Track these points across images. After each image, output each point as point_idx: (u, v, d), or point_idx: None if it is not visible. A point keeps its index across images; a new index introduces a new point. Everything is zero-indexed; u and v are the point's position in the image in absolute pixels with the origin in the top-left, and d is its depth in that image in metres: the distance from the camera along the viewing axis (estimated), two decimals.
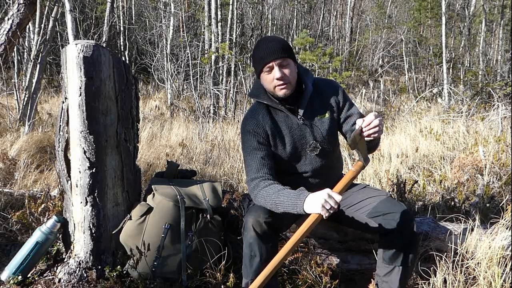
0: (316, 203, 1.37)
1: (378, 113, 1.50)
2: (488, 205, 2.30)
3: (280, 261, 1.40)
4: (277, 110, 1.71)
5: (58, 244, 1.96)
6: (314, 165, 1.73)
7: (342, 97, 1.76)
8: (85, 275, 1.77)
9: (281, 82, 1.60)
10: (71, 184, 1.79)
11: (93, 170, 1.74)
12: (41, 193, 2.48)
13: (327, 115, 1.72)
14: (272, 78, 1.60)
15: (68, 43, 1.82)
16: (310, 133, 1.71)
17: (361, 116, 1.82)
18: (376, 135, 1.44)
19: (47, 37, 4.92)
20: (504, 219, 1.97)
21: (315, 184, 1.76)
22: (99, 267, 1.80)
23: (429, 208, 2.49)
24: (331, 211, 1.36)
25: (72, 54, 1.67)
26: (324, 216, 1.37)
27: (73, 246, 1.83)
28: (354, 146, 1.47)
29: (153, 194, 1.88)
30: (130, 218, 1.83)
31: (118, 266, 1.79)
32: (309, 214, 1.41)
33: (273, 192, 1.51)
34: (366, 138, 1.47)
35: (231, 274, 1.74)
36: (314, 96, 1.72)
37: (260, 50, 1.61)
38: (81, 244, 1.80)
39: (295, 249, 1.49)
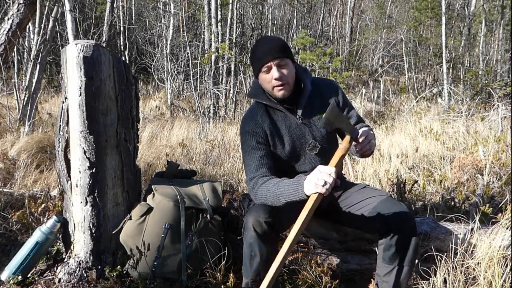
0: (311, 183, 1.35)
1: (367, 128, 1.57)
2: (488, 205, 2.30)
3: (288, 251, 1.35)
4: (276, 110, 1.71)
5: (58, 244, 1.96)
6: (314, 164, 1.73)
7: (342, 99, 1.77)
8: (85, 275, 1.77)
9: (280, 83, 1.60)
10: (71, 184, 1.79)
11: (93, 170, 1.74)
12: (41, 193, 2.48)
13: None
14: (271, 78, 1.60)
15: (68, 43, 1.82)
16: (309, 132, 1.71)
17: (359, 118, 1.82)
18: (370, 152, 1.57)
19: (47, 37, 4.92)
20: (504, 219, 1.97)
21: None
22: (99, 267, 1.80)
23: (429, 208, 2.49)
24: (328, 186, 1.32)
25: (72, 54, 1.67)
26: (323, 193, 1.33)
27: (73, 246, 1.83)
28: (330, 125, 1.43)
29: (153, 194, 1.88)
30: (130, 218, 1.83)
31: (118, 266, 1.79)
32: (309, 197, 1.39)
33: (273, 185, 1.50)
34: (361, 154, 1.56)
35: (231, 274, 1.74)
36: (313, 96, 1.72)
37: (258, 50, 1.61)
38: (81, 244, 1.80)
39: (297, 240, 1.44)
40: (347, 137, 1.44)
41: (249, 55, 1.67)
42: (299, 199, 1.41)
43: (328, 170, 1.34)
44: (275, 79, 1.59)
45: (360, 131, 1.53)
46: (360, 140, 1.51)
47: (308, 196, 1.37)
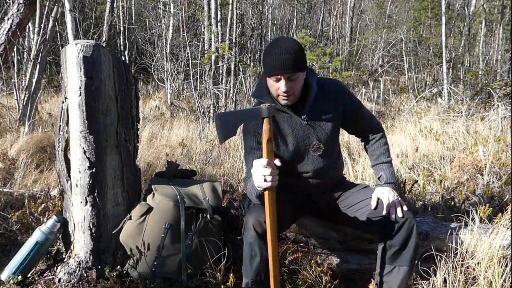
0: (256, 183, 1.34)
1: (389, 194, 1.66)
2: (488, 205, 2.30)
3: (274, 251, 1.36)
4: (280, 110, 1.70)
5: (58, 244, 1.96)
6: (316, 166, 1.73)
7: (350, 101, 1.76)
8: (85, 275, 1.77)
9: (286, 95, 1.59)
10: (71, 184, 1.79)
11: (93, 170, 1.73)
12: (41, 193, 2.48)
13: (331, 115, 1.71)
14: (278, 88, 1.58)
15: (68, 43, 1.82)
16: (314, 133, 1.70)
17: (369, 122, 1.84)
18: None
19: (47, 37, 4.92)
20: (504, 219, 1.97)
21: (315, 185, 1.76)
22: (99, 267, 1.80)
23: (429, 208, 2.48)
24: (270, 178, 1.29)
25: (72, 54, 1.67)
26: (269, 187, 1.31)
27: (73, 246, 1.83)
28: (230, 135, 1.34)
29: (153, 194, 1.88)
30: (130, 218, 1.83)
31: (118, 266, 1.79)
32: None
33: (249, 183, 1.55)
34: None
35: (231, 274, 1.74)
36: (319, 97, 1.71)
37: (272, 58, 1.53)
38: (81, 244, 1.80)
39: (277, 237, 1.40)
40: (261, 121, 1.33)
41: (263, 52, 1.62)
42: (260, 193, 1.46)
43: (261, 164, 1.31)
44: (283, 92, 1.58)
45: (377, 197, 1.67)
46: (384, 213, 1.61)
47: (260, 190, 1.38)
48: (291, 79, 1.55)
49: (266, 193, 1.33)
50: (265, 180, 1.31)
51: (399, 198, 1.66)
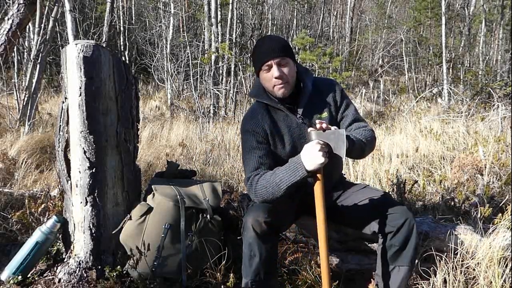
0: (315, 155, 1.41)
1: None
2: (488, 205, 2.30)
3: (325, 233, 1.47)
4: (277, 109, 1.71)
5: (58, 244, 1.96)
6: None
7: (340, 96, 1.77)
8: (85, 275, 1.77)
9: (280, 81, 1.60)
10: (71, 184, 1.79)
11: (93, 170, 1.74)
12: (41, 193, 2.48)
13: (326, 114, 1.72)
14: (271, 77, 1.61)
15: (68, 43, 1.82)
16: None
17: (355, 118, 1.79)
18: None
19: (47, 37, 4.92)
20: (504, 219, 1.97)
21: (313, 183, 1.76)
22: (99, 267, 1.80)
23: (429, 208, 2.48)
24: (325, 150, 1.42)
25: (72, 54, 1.67)
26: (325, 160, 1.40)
27: (73, 246, 1.83)
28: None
29: (153, 194, 1.88)
30: (130, 218, 1.83)
31: (118, 266, 1.79)
32: (310, 174, 1.44)
33: (270, 176, 1.53)
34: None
35: (231, 274, 1.74)
36: (314, 95, 1.72)
37: (260, 48, 1.62)
38: (81, 244, 1.80)
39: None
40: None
41: (250, 54, 1.68)
42: (300, 178, 1.46)
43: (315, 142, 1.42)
44: (276, 78, 1.59)
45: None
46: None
47: (308, 172, 1.44)
48: (281, 64, 1.60)
49: (319, 175, 1.43)
50: (321, 151, 1.39)
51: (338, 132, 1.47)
